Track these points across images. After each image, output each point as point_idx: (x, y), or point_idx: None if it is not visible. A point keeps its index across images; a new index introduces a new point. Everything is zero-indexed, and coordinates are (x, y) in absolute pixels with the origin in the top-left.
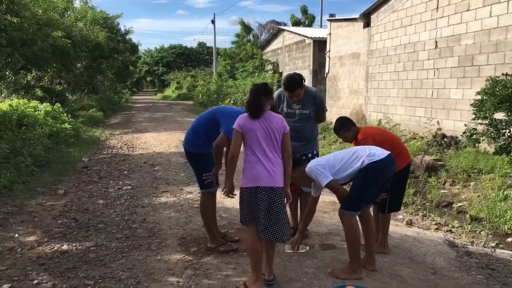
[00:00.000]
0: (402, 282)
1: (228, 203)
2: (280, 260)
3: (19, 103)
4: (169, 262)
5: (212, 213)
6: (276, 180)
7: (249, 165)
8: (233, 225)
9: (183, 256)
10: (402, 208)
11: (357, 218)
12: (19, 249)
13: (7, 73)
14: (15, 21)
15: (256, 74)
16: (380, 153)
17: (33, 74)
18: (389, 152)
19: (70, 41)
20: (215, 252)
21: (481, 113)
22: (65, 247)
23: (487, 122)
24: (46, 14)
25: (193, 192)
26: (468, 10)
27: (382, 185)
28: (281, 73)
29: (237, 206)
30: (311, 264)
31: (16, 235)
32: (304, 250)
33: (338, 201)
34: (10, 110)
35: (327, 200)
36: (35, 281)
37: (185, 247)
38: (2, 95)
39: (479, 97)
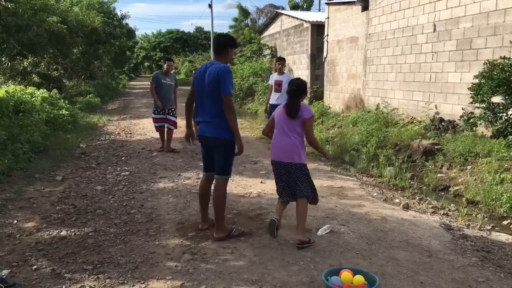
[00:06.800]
0: (397, 265)
1: None
2: (277, 244)
3: (16, 90)
4: (167, 247)
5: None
6: None
7: None
8: (230, 210)
9: (181, 241)
10: (399, 192)
11: None
12: (18, 235)
13: (3, 59)
14: (9, 6)
15: (254, 59)
16: None
17: (29, 60)
18: None
19: (65, 26)
20: (212, 237)
21: (479, 96)
22: (63, 233)
23: (484, 106)
24: None
25: (191, 178)
26: None
27: None
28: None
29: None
30: (307, 248)
31: (15, 221)
32: (327, 231)
33: (335, 186)
34: (6, 96)
35: (324, 184)
36: (34, 267)
37: (183, 232)
38: None
39: (476, 80)
